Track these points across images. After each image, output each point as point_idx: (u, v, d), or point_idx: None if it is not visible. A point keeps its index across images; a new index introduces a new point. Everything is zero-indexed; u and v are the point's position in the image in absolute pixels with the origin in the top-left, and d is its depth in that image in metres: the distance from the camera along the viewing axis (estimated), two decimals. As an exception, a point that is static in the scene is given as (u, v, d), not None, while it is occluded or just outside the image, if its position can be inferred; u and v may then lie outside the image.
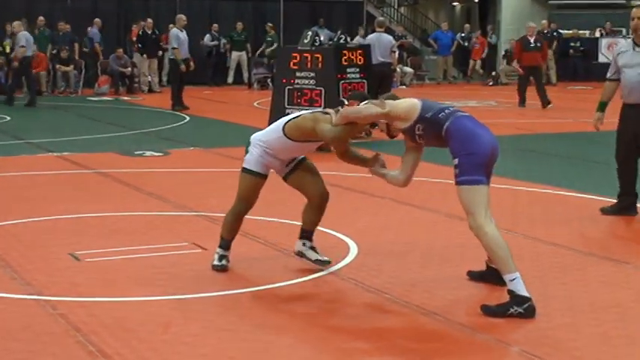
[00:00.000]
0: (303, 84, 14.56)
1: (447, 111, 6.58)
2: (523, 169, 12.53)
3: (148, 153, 14.33)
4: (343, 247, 8.24)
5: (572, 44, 33.09)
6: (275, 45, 29.14)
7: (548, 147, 14.99)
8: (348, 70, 15.72)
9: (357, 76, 15.89)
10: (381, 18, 20.12)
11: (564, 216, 9.59)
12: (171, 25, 24.36)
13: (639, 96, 9.47)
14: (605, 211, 9.65)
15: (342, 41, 16.57)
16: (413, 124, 6.69)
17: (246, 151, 7.59)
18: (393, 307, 6.54)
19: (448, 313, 6.38)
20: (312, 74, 14.53)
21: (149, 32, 27.07)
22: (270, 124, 14.56)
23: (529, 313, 6.21)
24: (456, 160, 6.40)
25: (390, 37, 19.66)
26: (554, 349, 5.66)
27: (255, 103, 23.77)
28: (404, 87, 29.52)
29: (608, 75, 9.83)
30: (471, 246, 7.86)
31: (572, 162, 13.17)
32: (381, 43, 18.23)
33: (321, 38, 15.40)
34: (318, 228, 8.94)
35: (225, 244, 7.56)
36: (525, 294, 6.25)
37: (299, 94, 14.53)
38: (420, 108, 6.66)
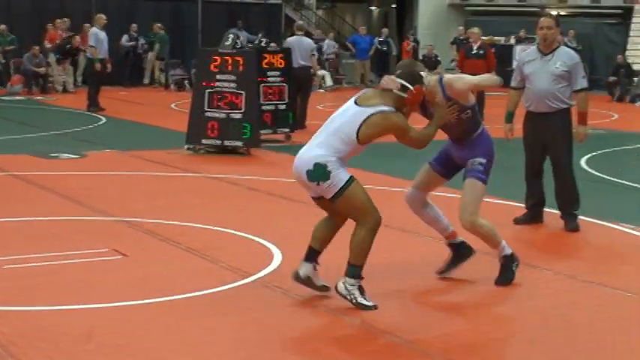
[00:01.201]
0: (224, 87, 14.45)
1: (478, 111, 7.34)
2: (403, 168, 12.54)
3: (63, 155, 14.08)
4: (267, 253, 8.17)
5: (486, 51, 33.44)
6: (158, 45, 29.26)
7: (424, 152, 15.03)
8: (269, 73, 15.72)
9: (278, 79, 15.89)
10: (301, 22, 19.98)
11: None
12: (87, 25, 24.04)
13: (545, 104, 9.47)
14: (518, 221, 9.74)
15: (262, 44, 16.52)
16: (468, 106, 7.15)
17: (322, 178, 6.56)
18: (319, 314, 6.51)
19: (373, 319, 6.38)
20: (233, 77, 14.43)
21: (67, 47, 26.77)
22: (190, 126, 14.61)
23: (518, 260, 7.39)
24: (482, 160, 7.19)
25: (310, 41, 19.64)
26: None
27: (172, 105, 23.57)
28: (322, 91, 29.56)
29: (513, 84, 9.78)
30: (395, 252, 7.90)
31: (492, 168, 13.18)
32: (301, 46, 18.19)
33: (241, 40, 15.31)
34: (239, 233, 8.92)
35: (360, 272, 6.67)
36: (511, 250, 7.39)
37: (219, 97, 14.42)
38: (472, 95, 7.23)
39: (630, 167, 14.71)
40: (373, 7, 44.04)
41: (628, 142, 17.93)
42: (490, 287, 7.28)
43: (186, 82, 28.61)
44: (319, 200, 6.78)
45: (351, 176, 6.61)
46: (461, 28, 32.72)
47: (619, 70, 28.87)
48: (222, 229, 9.08)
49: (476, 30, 21.46)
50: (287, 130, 16.18)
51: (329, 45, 32.54)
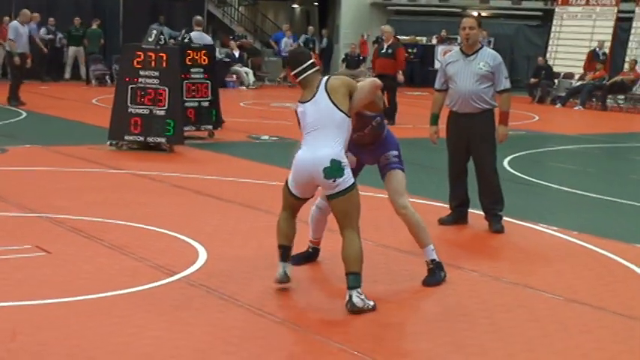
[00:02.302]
0: (147, 83, 14.31)
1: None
2: (366, 175, 12.63)
3: (-17, 150, 13.83)
4: (191, 251, 8.10)
5: (409, 50, 33.68)
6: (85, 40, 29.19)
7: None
8: (192, 69, 15.66)
9: (201, 76, 15.81)
10: (199, 17, 19.49)
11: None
12: (6, 18, 23.62)
13: (469, 104, 9.51)
14: (442, 221, 9.79)
15: (186, 41, 16.39)
16: (373, 115, 7.32)
17: (339, 174, 6.69)
18: (244, 314, 6.47)
19: (299, 319, 6.36)
20: (157, 73, 14.29)
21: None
22: (113, 122, 14.42)
23: (445, 273, 7.51)
24: (396, 152, 7.52)
25: (210, 37, 19.38)
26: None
27: (94, 100, 23.28)
28: (244, 88, 29.50)
29: (437, 86, 9.78)
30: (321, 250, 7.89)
31: (413, 168, 13.19)
32: (202, 42, 17.88)
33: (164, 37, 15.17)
34: (163, 231, 8.84)
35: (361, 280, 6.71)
36: (439, 259, 7.54)
37: (142, 92, 14.27)
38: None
39: (551, 168, 14.94)
40: (295, 5, 44.04)
41: (549, 143, 18.21)
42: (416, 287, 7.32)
43: (107, 77, 28.31)
44: (299, 200, 7.01)
45: (354, 181, 6.86)
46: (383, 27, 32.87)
47: (540, 71, 29.30)
48: (147, 227, 8.98)
49: (388, 28, 21.03)
50: (210, 127, 16.09)
51: None
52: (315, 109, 6.81)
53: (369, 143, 7.48)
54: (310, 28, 35.07)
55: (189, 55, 15.61)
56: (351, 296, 6.56)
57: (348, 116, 6.79)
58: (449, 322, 6.46)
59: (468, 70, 9.46)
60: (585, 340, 6.22)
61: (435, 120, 9.81)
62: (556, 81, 29.67)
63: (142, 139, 14.35)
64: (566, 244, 9.21)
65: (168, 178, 11.97)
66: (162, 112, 14.25)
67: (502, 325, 6.44)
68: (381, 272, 7.67)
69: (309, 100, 6.86)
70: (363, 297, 6.58)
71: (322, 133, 6.77)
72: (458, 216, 9.87)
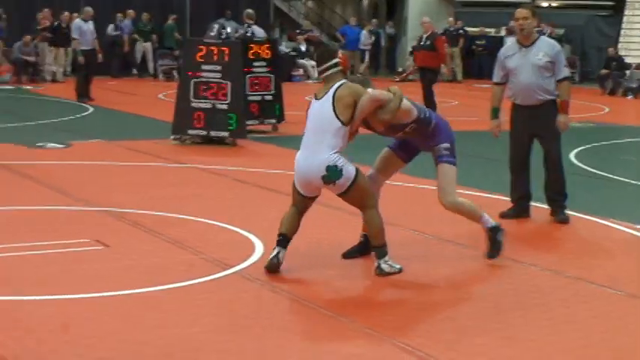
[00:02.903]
0: (210, 77, 14.35)
1: (426, 110, 7.61)
2: (429, 167, 12.52)
3: (49, 145, 13.97)
4: (248, 245, 8.09)
5: (477, 42, 33.41)
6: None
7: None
8: (255, 63, 15.62)
9: (264, 70, 15.79)
10: (250, 10, 19.25)
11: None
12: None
13: (532, 96, 9.40)
14: (504, 215, 9.62)
15: (248, 35, 16.40)
16: (408, 123, 7.36)
17: (337, 177, 7.06)
18: (297, 307, 6.44)
19: (355, 314, 6.31)
20: (219, 67, 14.33)
21: (63, 25, 26.55)
22: (176, 116, 14.49)
23: (502, 230, 7.72)
24: (447, 144, 7.50)
25: (262, 30, 19.25)
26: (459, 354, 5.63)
27: (160, 95, 23.44)
28: (311, 82, 29.49)
29: (496, 79, 9.67)
30: (407, 255, 7.80)
31: (478, 161, 13.08)
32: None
33: (228, 30, 15.18)
34: (223, 225, 8.85)
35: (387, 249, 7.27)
36: (495, 222, 7.77)
37: (205, 87, 14.32)
38: (416, 109, 7.39)
39: (620, 162, 14.66)
40: (363, -2, 43.92)
41: (618, 135, 17.89)
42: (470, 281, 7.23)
43: (174, 71, 28.49)
44: (305, 198, 7.31)
45: (356, 168, 7.15)
46: (451, 19, 32.66)
47: (610, 62, 28.81)
48: (207, 221, 9.00)
49: (427, 19, 20.24)
50: (274, 120, 16.08)
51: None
52: (319, 110, 7.15)
53: (415, 137, 7.57)
54: (374, 21, 34.94)
55: (252, 49, 15.59)
56: (378, 264, 7.18)
57: (345, 125, 7.05)
58: (504, 316, 6.36)
59: (527, 62, 9.35)
60: (645, 336, 6.09)
61: (495, 113, 9.71)
62: (627, 72, 29.16)
63: (204, 133, 14.40)
64: (632, 238, 9.01)
65: (231, 172, 11.98)
66: (224, 107, 14.28)
67: (560, 320, 6.32)
68: (436, 265, 7.58)
69: (319, 99, 7.19)
70: (390, 262, 7.19)
71: (319, 137, 7.11)
72: (520, 209, 9.70)
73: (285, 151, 14.25)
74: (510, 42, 9.80)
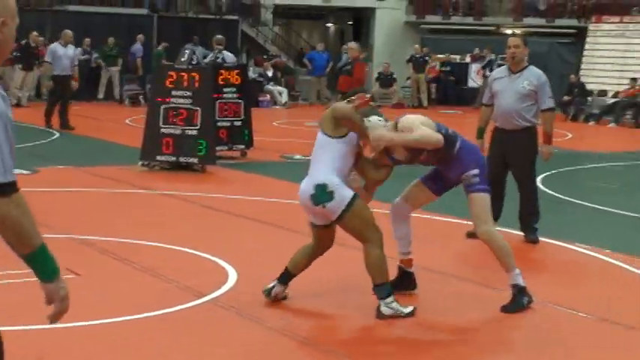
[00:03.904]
0: (179, 103, 14.34)
1: (450, 130, 7.12)
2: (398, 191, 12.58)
3: (15, 170, 13.82)
4: (221, 272, 8.07)
5: (443, 69, 33.63)
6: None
7: (420, 170, 15.02)
8: (225, 89, 15.62)
9: (234, 95, 15.80)
10: (220, 36, 19.27)
11: (433, 238, 9.70)
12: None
13: (510, 121, 9.72)
14: (470, 234, 9.69)
15: (218, 60, 16.43)
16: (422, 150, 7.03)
17: (326, 199, 6.71)
18: (272, 335, 6.43)
19: (320, 342, 6.32)
20: (189, 93, 14.33)
21: (32, 44, 26.42)
22: (145, 142, 14.45)
23: (531, 298, 7.16)
24: (476, 171, 7.07)
25: (232, 55, 19.30)
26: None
27: (127, 120, 23.38)
28: (278, 107, 29.55)
29: (484, 100, 10.15)
30: (353, 272, 7.82)
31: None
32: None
33: (197, 56, 15.21)
34: (193, 252, 8.82)
35: (389, 288, 6.84)
36: (524, 284, 7.15)
37: (175, 112, 14.31)
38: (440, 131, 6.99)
39: (584, 186, 14.81)
40: (330, 24, 44.12)
41: (582, 161, 18.06)
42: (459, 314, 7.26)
43: (140, 97, 28.44)
44: (317, 228, 6.99)
45: (355, 194, 6.78)
46: (417, 46, 32.88)
47: (573, 89, 29.13)
48: (178, 248, 8.97)
49: (353, 45, 20.22)
50: (242, 146, 16.09)
51: None
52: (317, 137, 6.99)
53: (436, 163, 7.31)
54: (344, 47, 35.08)
55: (222, 75, 15.62)
56: (379, 306, 6.73)
57: (331, 137, 6.79)
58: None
59: (511, 88, 9.67)
60: (617, 363, 6.15)
61: (480, 134, 10.14)
62: (589, 99, 29.49)
63: (173, 159, 14.38)
64: (599, 262, 9.12)
65: (200, 199, 11.97)
66: (194, 132, 14.27)
67: (524, 345, 6.37)
68: (445, 303, 7.59)
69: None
70: (393, 305, 6.70)
71: (315, 158, 6.92)
72: None
73: (253, 177, 14.29)
74: (502, 67, 10.14)
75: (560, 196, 13.18)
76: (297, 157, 16.87)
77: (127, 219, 10.46)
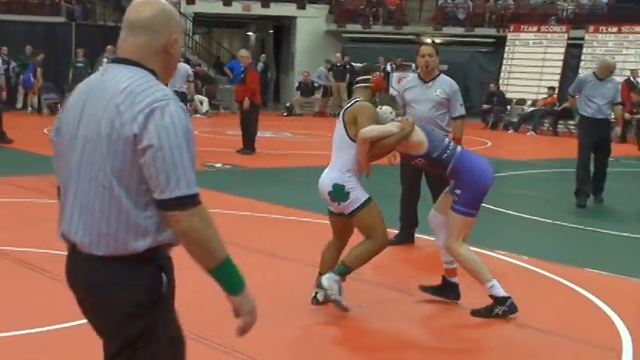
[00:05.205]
0: (97, 112, 14.15)
1: (448, 150, 7.14)
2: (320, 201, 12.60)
3: None
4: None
5: (364, 77, 33.78)
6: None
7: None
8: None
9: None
10: (110, 46, 19.04)
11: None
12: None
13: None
14: (390, 242, 9.77)
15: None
16: (415, 155, 7.21)
17: (342, 198, 7.12)
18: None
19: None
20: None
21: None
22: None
23: (512, 309, 7.10)
24: (458, 190, 7.11)
25: (187, 66, 19.31)
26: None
27: (46, 130, 23.05)
28: (199, 116, 29.40)
29: None
30: (299, 288, 7.80)
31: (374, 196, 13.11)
32: (177, 71, 17.93)
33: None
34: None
35: (346, 274, 7.17)
36: (505, 294, 7.12)
37: (93, 122, 14.12)
38: (426, 145, 7.10)
39: (503, 194, 14.96)
40: (250, 33, 44.07)
41: (501, 169, 18.26)
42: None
43: (59, 105, 28.07)
44: (334, 216, 7.33)
45: (369, 197, 7.13)
46: (338, 54, 33.01)
47: (492, 97, 29.51)
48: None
49: (244, 52, 19.74)
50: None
51: None
52: (337, 126, 7.26)
53: (432, 171, 7.63)
54: (263, 56, 35.15)
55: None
56: (324, 276, 7.03)
57: (353, 141, 7.01)
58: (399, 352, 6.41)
59: (426, 97, 9.73)
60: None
61: None
62: (508, 107, 29.90)
63: (92, 168, 14.16)
64: (516, 268, 9.25)
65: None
66: (112, 141, 14.08)
67: (443, 350, 6.41)
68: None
69: (340, 113, 7.29)
70: (333, 284, 6.94)
71: (335, 153, 7.17)
72: (405, 236, 10.01)
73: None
74: (410, 77, 10.20)
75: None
76: (218, 165, 16.83)
77: (43, 229, 10.24)
